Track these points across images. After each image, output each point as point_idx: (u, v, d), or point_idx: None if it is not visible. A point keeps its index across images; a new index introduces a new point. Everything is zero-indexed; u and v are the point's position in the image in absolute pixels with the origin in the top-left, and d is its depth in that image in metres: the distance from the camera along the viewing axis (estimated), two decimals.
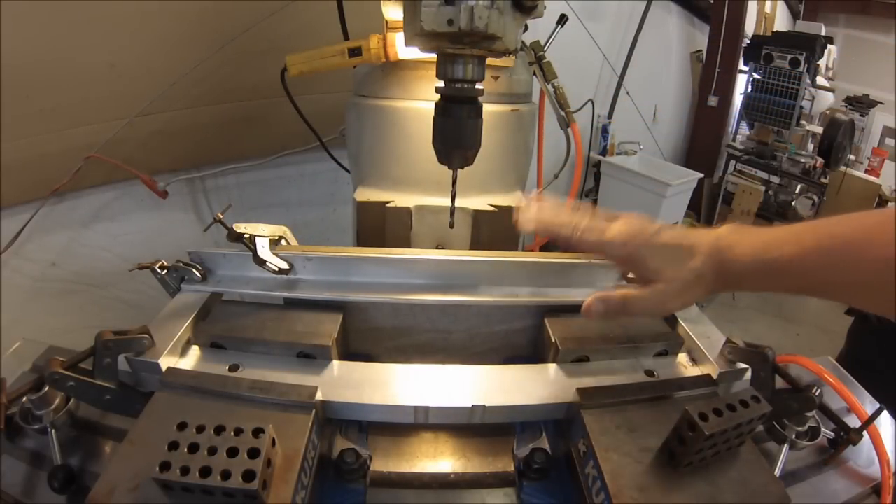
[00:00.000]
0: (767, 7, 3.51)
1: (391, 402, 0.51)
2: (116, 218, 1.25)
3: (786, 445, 0.54)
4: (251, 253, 0.60)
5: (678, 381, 0.54)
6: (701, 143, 3.45)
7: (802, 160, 2.87)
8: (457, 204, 0.73)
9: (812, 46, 2.72)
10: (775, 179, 3.04)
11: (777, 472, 0.52)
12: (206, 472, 0.36)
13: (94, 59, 1.03)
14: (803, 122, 2.93)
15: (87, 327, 0.55)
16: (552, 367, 0.57)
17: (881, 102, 3.41)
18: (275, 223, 0.66)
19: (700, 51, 3.30)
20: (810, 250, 0.41)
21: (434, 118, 0.62)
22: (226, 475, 0.36)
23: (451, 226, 0.74)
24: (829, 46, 3.02)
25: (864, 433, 0.56)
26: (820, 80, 3.00)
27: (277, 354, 0.56)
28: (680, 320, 0.63)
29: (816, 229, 0.42)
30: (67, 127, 1.05)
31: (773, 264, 0.42)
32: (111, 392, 0.50)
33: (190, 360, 0.55)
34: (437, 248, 0.82)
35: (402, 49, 0.75)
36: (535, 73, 0.86)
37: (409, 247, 0.81)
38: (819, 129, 2.90)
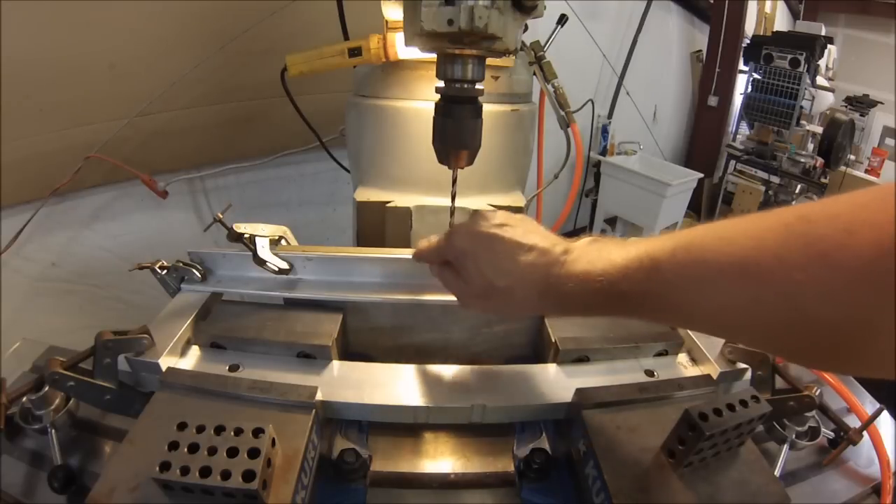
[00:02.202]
0: (767, 7, 3.51)
1: (391, 402, 0.51)
2: (116, 218, 1.25)
3: (786, 445, 0.54)
4: (251, 253, 0.60)
5: (678, 381, 0.54)
6: (701, 143, 3.45)
7: (802, 160, 2.87)
8: (457, 204, 0.72)
9: (812, 46, 2.72)
10: (775, 179, 3.03)
11: (777, 472, 0.52)
12: (206, 472, 0.36)
13: (94, 59, 1.03)
14: (803, 122, 2.93)
15: (87, 327, 0.55)
16: (552, 367, 0.57)
17: (881, 102, 3.41)
18: (275, 223, 0.66)
19: (700, 51, 3.30)
20: (662, 272, 0.34)
21: (434, 118, 0.62)
22: (226, 475, 0.36)
23: (451, 226, 0.74)
24: (829, 46, 3.02)
25: (864, 433, 0.56)
26: (820, 80, 3.00)
27: (277, 354, 0.56)
28: None
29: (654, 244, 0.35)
30: (67, 127, 1.05)
31: (613, 291, 0.37)
32: (111, 392, 0.50)
33: (190, 360, 0.55)
34: None
35: (402, 49, 0.75)
36: (535, 73, 0.86)
37: (409, 247, 0.80)
38: (819, 129, 2.89)
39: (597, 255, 0.39)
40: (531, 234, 0.44)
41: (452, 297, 0.61)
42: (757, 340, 0.35)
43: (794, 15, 3.87)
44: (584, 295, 0.39)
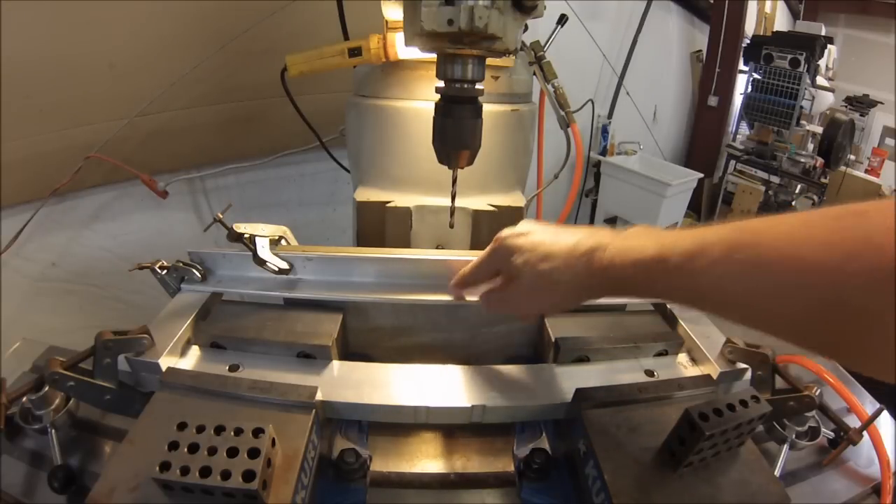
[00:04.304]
0: (767, 7, 3.51)
1: (391, 402, 0.51)
2: (116, 218, 1.25)
3: (786, 445, 0.54)
4: (251, 253, 0.60)
5: (678, 381, 0.54)
6: (701, 143, 3.44)
7: (802, 160, 2.87)
8: (457, 204, 0.72)
9: (812, 46, 2.72)
10: (775, 179, 3.03)
11: (777, 472, 0.52)
12: (206, 472, 0.36)
13: (94, 58, 1.03)
14: (803, 122, 2.93)
15: (87, 327, 0.55)
16: (552, 367, 0.57)
17: (881, 102, 3.41)
18: (275, 223, 0.66)
19: (700, 51, 3.29)
20: (710, 251, 0.34)
21: (434, 118, 0.62)
22: (226, 475, 0.36)
23: (451, 226, 0.74)
24: (829, 46, 3.02)
25: (864, 433, 0.56)
26: (820, 80, 3.00)
27: (277, 354, 0.56)
28: (680, 320, 0.63)
29: (718, 231, 0.35)
30: (67, 127, 1.05)
31: (660, 268, 0.37)
32: (111, 392, 0.51)
33: (190, 360, 0.55)
34: (437, 248, 0.82)
35: (402, 49, 0.75)
36: (535, 73, 0.86)
37: (409, 247, 0.81)
38: (819, 129, 2.89)
39: (646, 234, 0.40)
40: (575, 227, 0.47)
41: (452, 297, 0.61)
42: (788, 330, 0.34)
43: (794, 15, 3.87)
44: (630, 271, 0.39)
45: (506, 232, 0.50)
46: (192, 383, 0.49)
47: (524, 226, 0.49)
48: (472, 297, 0.56)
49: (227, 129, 1.29)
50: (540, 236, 0.46)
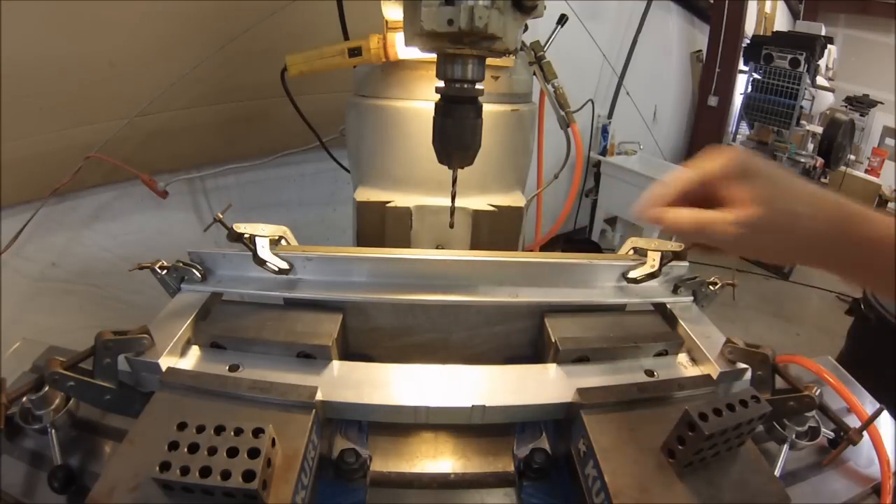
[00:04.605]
0: (767, 7, 3.51)
1: (391, 402, 0.51)
2: (116, 218, 1.25)
3: (786, 445, 0.54)
4: (251, 253, 0.60)
5: (678, 381, 0.54)
6: (701, 143, 3.44)
7: (802, 160, 2.87)
8: (457, 204, 0.72)
9: (812, 46, 2.72)
10: None
11: (777, 472, 0.52)
12: (206, 472, 0.36)
13: (94, 58, 1.03)
14: (803, 122, 2.93)
15: (87, 327, 0.55)
16: (552, 367, 0.57)
17: (881, 102, 3.41)
18: (275, 223, 0.66)
19: (700, 51, 3.30)
20: None
21: (434, 118, 0.62)
22: (226, 475, 0.36)
23: (451, 226, 0.74)
24: (829, 46, 3.02)
25: (864, 433, 0.56)
26: (820, 80, 3.00)
27: (277, 354, 0.56)
28: (680, 320, 0.63)
29: None
30: (67, 127, 1.05)
31: None
32: (111, 392, 0.51)
33: (190, 360, 0.55)
34: (437, 248, 0.82)
35: (402, 49, 0.75)
36: (535, 73, 0.86)
37: (409, 247, 0.81)
38: (819, 129, 2.90)
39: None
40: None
41: (452, 298, 0.61)
42: None
43: (794, 15, 3.88)
44: (891, 244, 0.35)
45: (738, 156, 0.39)
46: (192, 383, 0.49)
47: (746, 153, 0.40)
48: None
49: (227, 129, 1.29)
50: (775, 169, 0.39)
